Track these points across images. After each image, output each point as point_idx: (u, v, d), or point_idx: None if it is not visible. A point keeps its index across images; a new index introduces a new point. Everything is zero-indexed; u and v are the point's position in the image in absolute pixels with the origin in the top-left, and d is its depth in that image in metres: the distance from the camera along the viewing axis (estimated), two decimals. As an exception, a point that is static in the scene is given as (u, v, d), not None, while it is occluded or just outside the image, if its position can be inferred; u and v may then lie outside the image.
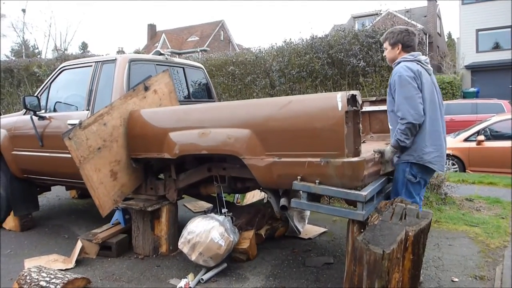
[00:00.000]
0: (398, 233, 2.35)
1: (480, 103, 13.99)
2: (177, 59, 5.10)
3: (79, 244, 3.86)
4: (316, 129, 2.66)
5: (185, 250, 3.43)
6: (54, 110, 4.46)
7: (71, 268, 3.64)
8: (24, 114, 4.66)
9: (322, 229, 4.54)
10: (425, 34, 24.69)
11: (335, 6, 74.25)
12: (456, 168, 8.33)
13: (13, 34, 53.85)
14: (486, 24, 23.34)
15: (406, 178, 2.89)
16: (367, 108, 4.06)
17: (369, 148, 3.22)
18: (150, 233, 3.91)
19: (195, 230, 3.38)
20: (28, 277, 3.05)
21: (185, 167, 3.86)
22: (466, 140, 8.40)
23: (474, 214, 5.13)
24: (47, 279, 3.01)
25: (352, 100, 2.55)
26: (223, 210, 3.65)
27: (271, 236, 4.23)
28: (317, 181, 2.68)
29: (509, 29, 23.06)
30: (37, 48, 30.90)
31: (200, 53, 27.34)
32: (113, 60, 4.11)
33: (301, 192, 2.79)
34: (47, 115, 4.36)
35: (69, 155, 3.50)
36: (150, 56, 4.92)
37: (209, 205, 5.05)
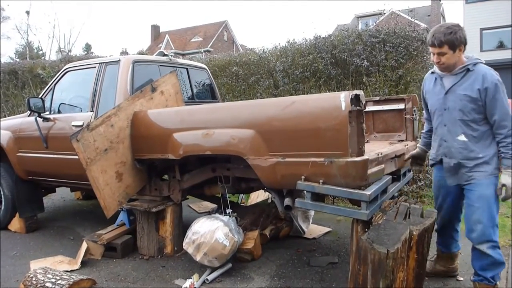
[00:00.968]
0: (402, 232, 2.35)
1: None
2: (180, 60, 5.11)
3: (84, 245, 3.88)
4: (320, 129, 2.66)
5: (190, 250, 3.44)
6: (59, 112, 4.48)
7: (77, 269, 3.66)
8: (28, 115, 4.68)
9: (327, 229, 4.54)
10: (429, 33, 24.54)
11: (338, 6, 74.15)
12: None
13: (17, 36, 54.27)
14: (490, 23, 23.23)
15: (497, 194, 2.66)
16: (370, 107, 4.06)
17: (372, 148, 3.23)
18: (155, 234, 3.92)
19: (199, 231, 3.39)
20: (34, 279, 3.06)
21: (189, 167, 3.87)
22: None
23: (479, 214, 5.10)
24: (53, 280, 3.02)
25: (355, 99, 2.55)
26: (227, 211, 3.65)
27: (276, 236, 4.24)
28: (321, 181, 2.68)
29: (513, 28, 22.95)
30: (41, 49, 31.00)
31: (203, 53, 27.43)
32: (117, 61, 4.13)
33: (305, 192, 2.80)
34: (51, 116, 4.38)
35: (74, 157, 3.53)
36: (153, 57, 4.94)
37: (214, 206, 5.07)
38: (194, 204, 5.66)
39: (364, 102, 2.61)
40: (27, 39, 29.05)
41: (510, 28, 22.94)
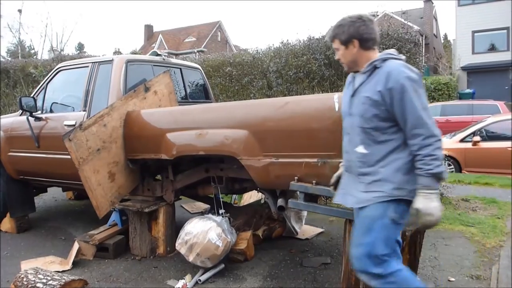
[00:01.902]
0: (395, 233, 2.36)
1: (476, 104, 14.05)
2: (174, 60, 5.10)
3: (76, 246, 3.85)
4: (313, 130, 2.67)
5: (182, 251, 3.43)
6: (51, 111, 4.45)
7: (68, 270, 3.63)
8: (20, 115, 4.64)
9: (319, 230, 4.55)
10: (422, 36, 24.78)
11: (332, 7, 74.46)
12: (452, 168, 8.37)
13: (9, 35, 53.70)
14: (482, 26, 23.45)
15: (389, 219, 2.01)
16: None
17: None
18: (148, 234, 3.91)
19: (192, 231, 3.38)
20: (25, 279, 3.04)
21: (182, 168, 3.86)
22: (462, 141, 8.44)
23: (470, 214, 5.15)
24: (44, 280, 3.00)
25: None
26: (220, 211, 3.65)
27: (269, 236, 4.24)
28: (314, 181, 2.69)
29: (505, 31, 23.20)
30: (33, 48, 30.80)
31: (197, 53, 27.38)
32: (110, 61, 4.11)
33: (298, 192, 2.80)
34: (43, 116, 4.35)
35: (66, 156, 3.51)
36: (147, 56, 4.92)
37: (207, 206, 5.05)
38: (187, 205, 5.65)
39: None
40: (19, 38, 28.85)
41: (501, 31, 23.18)
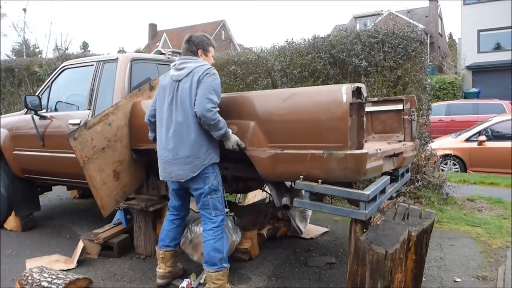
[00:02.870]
0: (401, 233, 2.34)
1: (481, 103, 13.99)
2: (178, 59, 5.08)
3: (80, 244, 3.86)
4: (320, 121, 2.64)
5: (187, 250, 3.42)
6: (55, 110, 4.46)
7: (73, 269, 3.64)
8: (25, 113, 4.65)
9: (324, 229, 4.54)
10: (427, 35, 24.67)
11: (336, 6, 74.29)
12: (457, 168, 8.33)
13: (14, 34, 53.89)
14: (488, 25, 23.33)
15: None
16: (368, 108, 4.04)
17: (371, 146, 3.21)
18: (152, 233, 3.91)
19: (197, 230, 3.38)
20: (29, 278, 3.04)
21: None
22: (467, 140, 8.40)
23: (475, 215, 5.12)
24: (49, 279, 3.00)
25: (357, 92, 2.54)
26: (225, 210, 3.63)
27: (273, 236, 4.23)
28: (319, 181, 2.66)
29: (510, 30, 23.05)
30: (38, 47, 30.84)
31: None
32: (115, 60, 4.10)
33: (303, 191, 2.78)
34: (48, 114, 4.36)
35: (71, 155, 3.51)
36: (151, 55, 4.91)
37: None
38: (192, 204, 5.64)
39: (365, 95, 2.59)
40: (24, 37, 28.91)
41: (507, 30, 23.04)
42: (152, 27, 42.73)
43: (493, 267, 3.53)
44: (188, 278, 3.31)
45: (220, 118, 2.83)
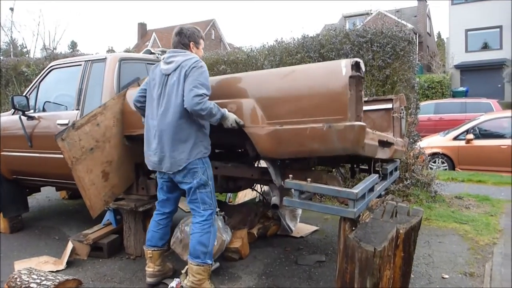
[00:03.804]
0: (389, 230, 2.37)
1: (469, 102, 14.17)
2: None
3: (69, 245, 3.83)
4: (320, 95, 2.64)
5: (177, 250, 3.42)
6: (43, 110, 4.41)
7: (62, 270, 3.61)
8: (12, 114, 4.60)
9: (314, 228, 4.56)
10: (415, 34, 24.90)
11: (326, 6, 74.54)
12: (446, 166, 8.42)
13: (1, 33, 53.17)
14: (475, 24, 23.62)
15: None
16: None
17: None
18: (142, 233, 3.89)
19: (187, 230, 3.37)
20: (18, 279, 3.02)
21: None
22: (455, 138, 8.49)
23: (463, 212, 5.19)
24: (38, 281, 2.98)
25: (356, 66, 2.56)
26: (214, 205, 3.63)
27: (263, 235, 4.24)
28: (309, 179, 2.68)
29: (498, 29, 23.36)
30: (26, 47, 30.43)
31: (191, 52, 27.25)
32: (103, 59, 4.08)
33: (293, 190, 2.80)
34: (36, 115, 4.31)
35: (59, 156, 3.48)
36: (140, 55, 4.89)
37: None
38: (182, 203, 5.61)
39: (364, 70, 2.62)
40: (11, 36, 28.53)
41: (494, 30, 23.35)
42: (142, 26, 42.51)
43: (480, 263, 3.58)
44: (178, 278, 3.31)
45: (211, 105, 2.79)
